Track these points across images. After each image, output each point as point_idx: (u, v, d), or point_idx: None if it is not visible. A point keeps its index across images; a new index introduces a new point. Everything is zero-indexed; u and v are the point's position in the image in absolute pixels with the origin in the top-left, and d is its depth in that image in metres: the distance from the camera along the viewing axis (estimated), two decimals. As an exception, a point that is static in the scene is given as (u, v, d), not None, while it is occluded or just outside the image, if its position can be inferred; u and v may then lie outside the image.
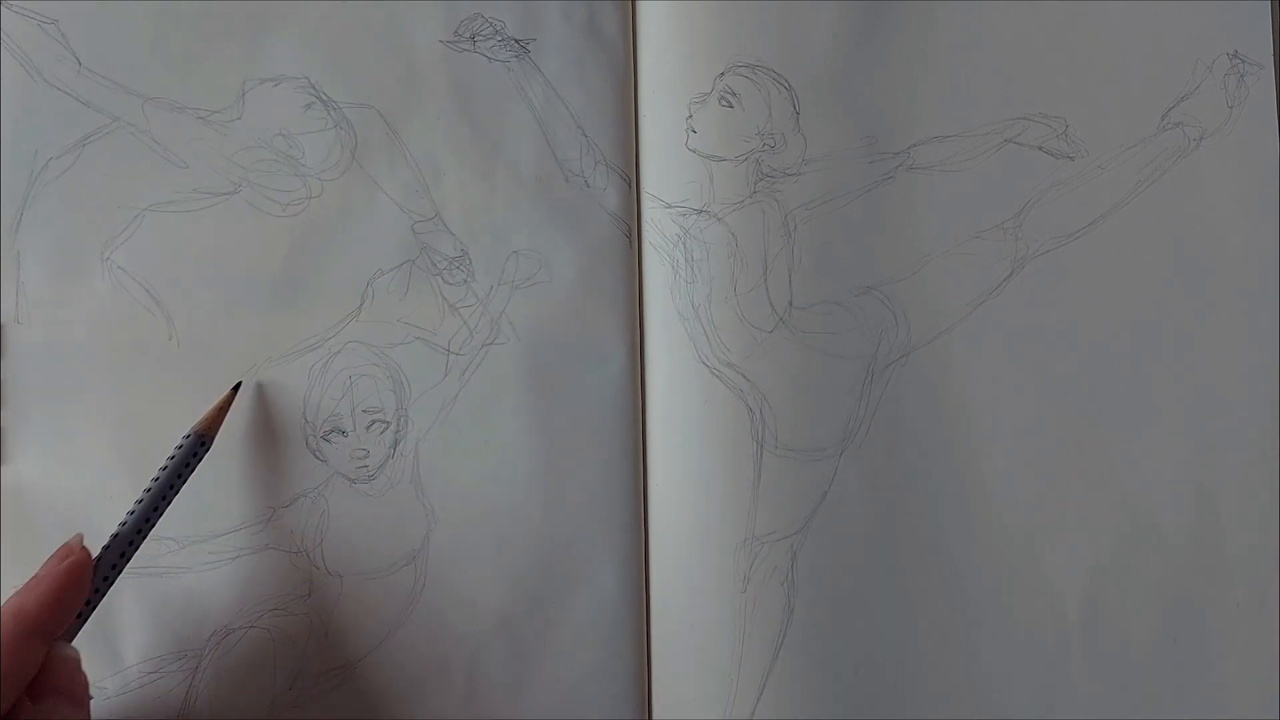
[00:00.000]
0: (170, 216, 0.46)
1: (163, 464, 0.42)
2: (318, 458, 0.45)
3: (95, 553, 0.39)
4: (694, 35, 0.48)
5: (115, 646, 0.44)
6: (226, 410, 0.44)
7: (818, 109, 0.48)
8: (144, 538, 0.40)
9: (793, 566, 0.45)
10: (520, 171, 0.47)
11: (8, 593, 0.43)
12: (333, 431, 0.45)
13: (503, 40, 0.48)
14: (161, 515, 0.41)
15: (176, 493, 0.42)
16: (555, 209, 0.47)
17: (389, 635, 0.45)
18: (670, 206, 0.47)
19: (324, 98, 0.47)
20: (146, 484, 0.41)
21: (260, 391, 0.45)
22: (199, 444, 0.42)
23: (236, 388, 0.45)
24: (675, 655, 0.45)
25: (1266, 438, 0.47)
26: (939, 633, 0.45)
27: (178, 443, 0.42)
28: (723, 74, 0.48)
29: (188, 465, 0.42)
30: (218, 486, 0.45)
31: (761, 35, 0.48)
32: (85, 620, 0.39)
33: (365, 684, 0.44)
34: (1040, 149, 0.48)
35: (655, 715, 0.45)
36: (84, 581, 0.38)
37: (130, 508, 0.41)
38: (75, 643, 0.37)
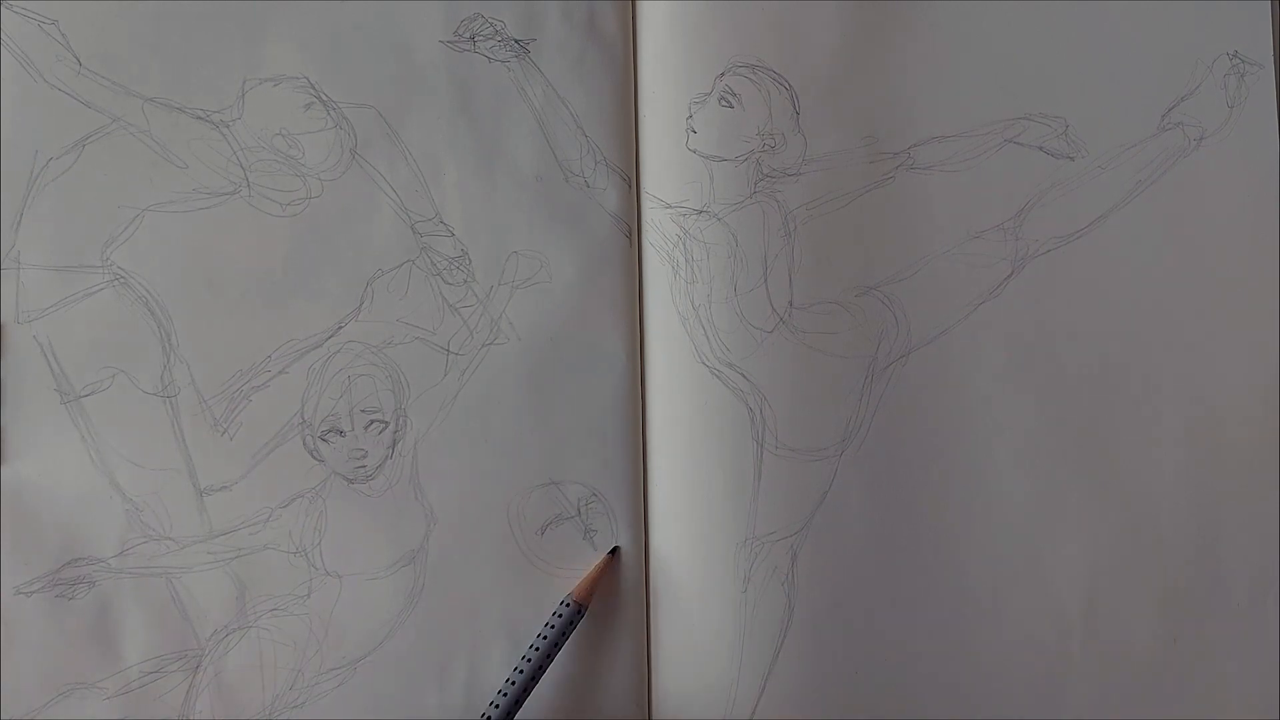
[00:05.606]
0: (170, 216, 0.46)
1: (541, 632, 0.43)
2: (315, 458, 0.45)
3: None
4: (694, 35, 0.48)
5: (115, 646, 0.44)
6: (601, 577, 0.44)
7: (818, 109, 0.48)
8: (520, 707, 0.42)
9: (793, 566, 0.45)
10: (520, 171, 0.47)
11: (8, 593, 0.44)
12: (331, 431, 0.45)
13: (503, 40, 0.48)
14: (537, 684, 0.43)
15: (552, 660, 0.43)
16: (555, 209, 0.47)
17: (389, 635, 0.45)
18: (670, 206, 0.47)
19: (324, 97, 0.47)
20: (525, 652, 0.43)
21: (259, 392, 0.45)
22: (576, 613, 0.43)
23: (614, 552, 0.45)
24: (675, 655, 0.45)
25: (1266, 438, 0.46)
26: (939, 633, 0.45)
27: (556, 610, 0.43)
28: (723, 74, 0.48)
29: (564, 635, 0.43)
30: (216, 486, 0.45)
31: (761, 35, 0.48)
32: None
33: (365, 684, 0.44)
34: (1040, 149, 0.48)
35: (655, 715, 0.45)
36: None
37: (508, 676, 0.42)
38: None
